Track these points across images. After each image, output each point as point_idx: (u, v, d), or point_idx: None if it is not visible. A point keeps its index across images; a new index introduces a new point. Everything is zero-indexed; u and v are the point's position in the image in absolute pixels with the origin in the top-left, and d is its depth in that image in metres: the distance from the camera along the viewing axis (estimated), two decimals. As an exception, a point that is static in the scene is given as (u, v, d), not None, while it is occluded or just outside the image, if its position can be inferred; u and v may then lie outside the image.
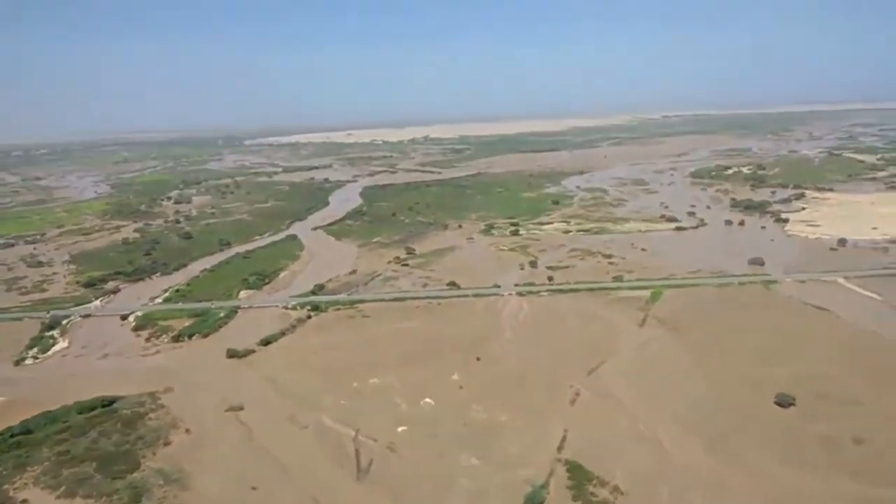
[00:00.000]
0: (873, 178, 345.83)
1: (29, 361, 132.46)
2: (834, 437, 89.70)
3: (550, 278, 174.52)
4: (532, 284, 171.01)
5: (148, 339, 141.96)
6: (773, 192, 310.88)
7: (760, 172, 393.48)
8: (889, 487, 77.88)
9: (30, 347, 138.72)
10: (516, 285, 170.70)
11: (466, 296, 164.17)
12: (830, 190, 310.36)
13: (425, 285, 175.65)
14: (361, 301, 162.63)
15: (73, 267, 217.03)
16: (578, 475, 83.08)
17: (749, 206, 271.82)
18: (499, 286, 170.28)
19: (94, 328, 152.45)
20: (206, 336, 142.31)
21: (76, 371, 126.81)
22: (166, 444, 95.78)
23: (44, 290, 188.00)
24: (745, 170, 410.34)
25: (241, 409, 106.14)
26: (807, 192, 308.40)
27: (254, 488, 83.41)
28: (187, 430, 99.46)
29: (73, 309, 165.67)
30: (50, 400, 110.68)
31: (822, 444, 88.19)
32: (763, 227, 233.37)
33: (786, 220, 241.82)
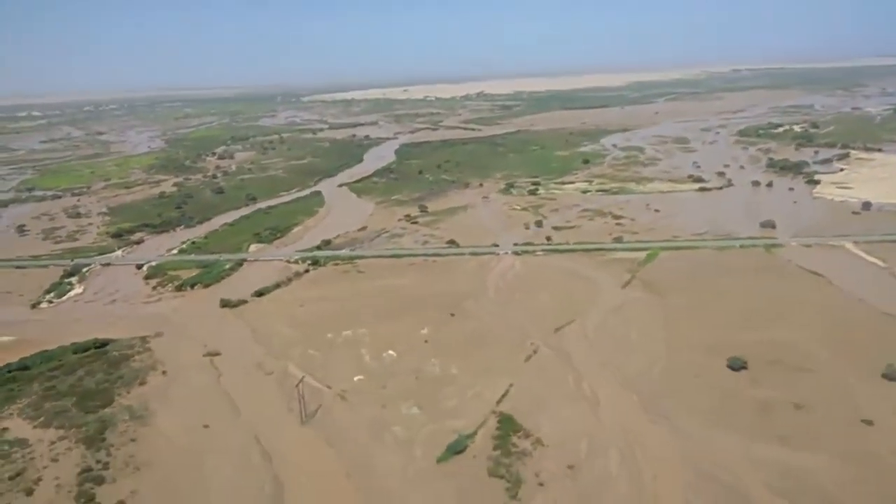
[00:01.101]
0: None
1: (44, 305, 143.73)
2: (774, 401, 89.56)
3: (549, 238, 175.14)
4: (530, 244, 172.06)
5: (154, 288, 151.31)
6: (817, 152, 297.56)
7: (812, 131, 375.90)
8: (811, 452, 77.97)
9: (48, 292, 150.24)
10: (515, 244, 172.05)
11: (463, 254, 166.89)
12: (879, 150, 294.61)
13: (426, 243, 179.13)
14: (360, 257, 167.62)
15: (107, 218, 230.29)
16: (507, 427, 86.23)
17: (785, 167, 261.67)
18: (497, 245, 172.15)
19: (110, 276, 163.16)
20: (207, 286, 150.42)
21: (83, 315, 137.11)
22: (142, 383, 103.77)
23: (75, 240, 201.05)
24: (796, 128, 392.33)
25: (218, 354, 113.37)
26: (853, 152, 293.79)
27: (206, 426, 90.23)
28: (164, 372, 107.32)
29: (95, 258, 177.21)
30: (53, 340, 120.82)
31: (760, 409, 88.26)
32: (791, 189, 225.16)
33: (817, 182, 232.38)
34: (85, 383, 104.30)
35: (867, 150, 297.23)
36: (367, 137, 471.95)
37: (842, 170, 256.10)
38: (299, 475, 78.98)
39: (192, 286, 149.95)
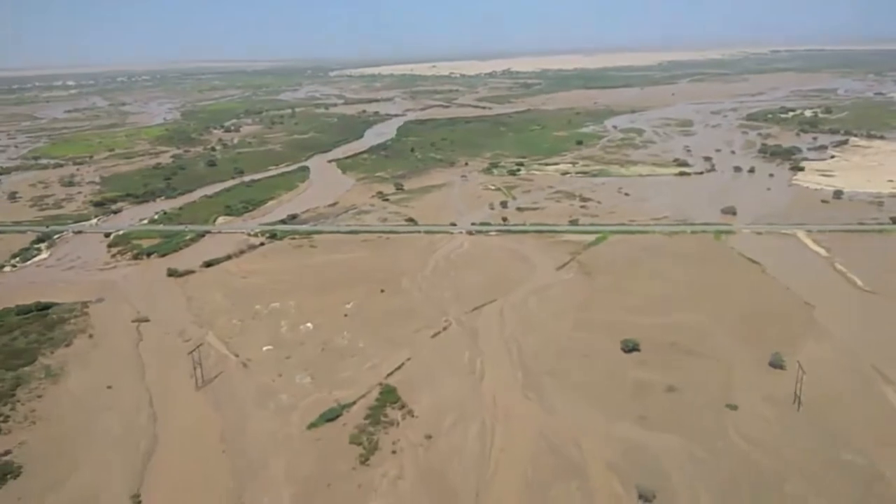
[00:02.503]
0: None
1: (7, 269, 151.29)
2: (651, 383, 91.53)
3: (505, 219, 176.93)
4: (487, 224, 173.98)
5: (113, 256, 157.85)
6: (815, 138, 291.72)
7: (822, 116, 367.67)
8: (663, 433, 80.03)
9: (14, 257, 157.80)
10: (472, 224, 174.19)
11: (419, 232, 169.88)
12: (881, 138, 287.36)
13: (384, 220, 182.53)
14: (318, 232, 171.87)
15: (97, 188, 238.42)
16: (386, 398, 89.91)
17: (775, 153, 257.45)
18: (455, 224, 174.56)
19: (78, 243, 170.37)
20: (163, 256, 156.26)
21: (39, 279, 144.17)
22: (68, 345, 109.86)
23: (60, 207, 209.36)
24: (807, 112, 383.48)
25: (147, 320, 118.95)
26: (853, 138, 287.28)
27: (109, 387, 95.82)
28: (90, 336, 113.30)
29: (71, 225, 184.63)
30: (3, 302, 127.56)
31: (634, 390, 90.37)
32: (771, 176, 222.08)
33: (801, 169, 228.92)
34: (16, 343, 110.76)
35: (869, 137, 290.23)
36: (376, 114, 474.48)
37: (833, 157, 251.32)
38: (176, 435, 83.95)
39: (149, 255, 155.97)
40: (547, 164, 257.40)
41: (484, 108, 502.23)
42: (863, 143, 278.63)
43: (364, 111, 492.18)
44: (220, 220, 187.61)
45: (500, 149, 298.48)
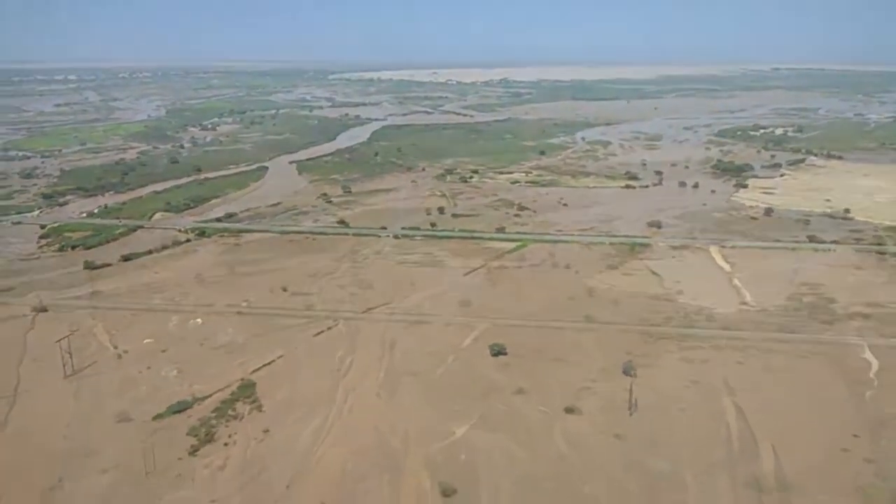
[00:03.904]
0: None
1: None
2: (503, 386, 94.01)
3: (433, 224, 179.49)
4: (416, 229, 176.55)
5: (41, 247, 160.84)
6: (773, 156, 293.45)
7: (792, 134, 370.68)
8: (492, 433, 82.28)
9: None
10: (402, 228, 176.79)
11: (347, 234, 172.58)
12: (840, 158, 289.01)
13: (316, 221, 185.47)
14: (248, 231, 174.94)
15: (54, 181, 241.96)
16: (242, 393, 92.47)
17: (727, 169, 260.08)
18: (385, 228, 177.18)
19: (12, 234, 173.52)
20: (88, 249, 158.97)
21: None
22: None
23: (10, 199, 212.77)
24: (778, 131, 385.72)
25: (45, 310, 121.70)
26: (812, 158, 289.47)
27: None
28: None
29: (12, 216, 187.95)
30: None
31: (485, 391, 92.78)
32: (713, 191, 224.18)
33: (745, 186, 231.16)
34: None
35: (828, 157, 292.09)
36: (357, 117, 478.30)
37: (783, 175, 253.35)
38: (26, 420, 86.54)
39: (74, 248, 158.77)
40: (502, 173, 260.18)
41: (466, 115, 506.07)
42: (819, 162, 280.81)
43: (346, 114, 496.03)
44: (158, 216, 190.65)
45: (465, 156, 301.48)
